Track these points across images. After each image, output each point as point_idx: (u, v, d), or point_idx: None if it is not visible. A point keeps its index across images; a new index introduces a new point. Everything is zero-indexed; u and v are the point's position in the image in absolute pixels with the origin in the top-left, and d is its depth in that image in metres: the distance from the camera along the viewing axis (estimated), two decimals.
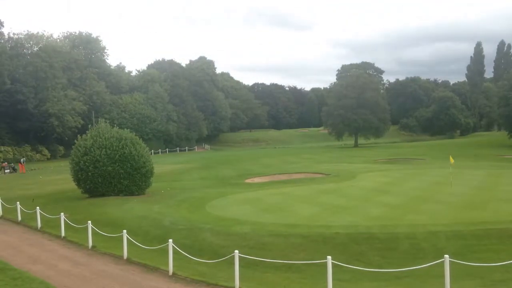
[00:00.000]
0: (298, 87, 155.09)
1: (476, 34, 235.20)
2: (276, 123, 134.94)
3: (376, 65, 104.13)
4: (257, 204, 21.77)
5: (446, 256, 10.09)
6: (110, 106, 79.51)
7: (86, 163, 25.04)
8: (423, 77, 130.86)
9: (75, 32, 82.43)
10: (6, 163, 51.89)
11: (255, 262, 12.60)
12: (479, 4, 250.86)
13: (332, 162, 46.61)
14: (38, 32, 72.13)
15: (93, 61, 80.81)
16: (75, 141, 26.89)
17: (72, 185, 27.42)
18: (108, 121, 31.79)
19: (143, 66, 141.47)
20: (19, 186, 34.60)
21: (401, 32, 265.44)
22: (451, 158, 28.83)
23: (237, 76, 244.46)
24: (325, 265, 10.47)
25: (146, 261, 13.85)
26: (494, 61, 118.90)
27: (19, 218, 21.34)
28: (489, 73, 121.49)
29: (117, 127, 27.83)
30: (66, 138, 66.24)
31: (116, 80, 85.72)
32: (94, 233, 16.13)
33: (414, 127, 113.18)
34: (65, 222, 17.92)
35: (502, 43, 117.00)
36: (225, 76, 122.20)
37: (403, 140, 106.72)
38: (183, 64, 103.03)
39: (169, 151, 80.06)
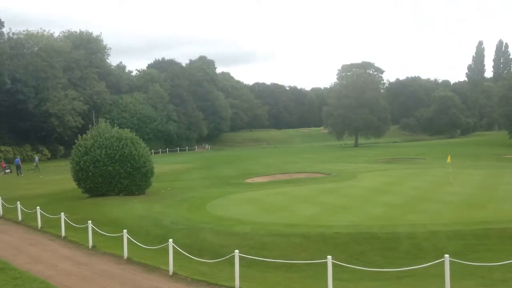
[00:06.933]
0: (299, 86, 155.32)
1: None
2: (277, 123, 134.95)
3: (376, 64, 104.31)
4: (258, 203, 21.76)
5: (447, 255, 10.09)
6: (110, 106, 79.56)
7: (87, 163, 25.03)
8: (423, 76, 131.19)
9: (76, 32, 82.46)
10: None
11: (255, 262, 12.60)
12: None
13: (333, 162, 46.61)
14: (38, 32, 72.10)
15: (93, 61, 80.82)
16: (76, 141, 26.88)
17: (73, 184, 27.41)
18: (108, 121, 31.77)
19: (143, 66, 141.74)
20: (19, 186, 34.60)
21: None
22: (449, 157, 28.83)
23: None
24: (325, 264, 10.47)
25: (146, 260, 13.85)
26: (493, 61, 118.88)
27: (20, 218, 21.35)
28: (489, 72, 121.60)
29: (118, 127, 27.79)
30: (67, 138, 66.25)
31: (116, 79, 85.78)
32: (94, 232, 16.13)
33: (415, 126, 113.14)
34: (66, 222, 17.93)
35: (500, 42, 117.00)
36: (225, 75, 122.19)
37: (404, 139, 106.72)
38: (183, 64, 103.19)
39: (169, 151, 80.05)
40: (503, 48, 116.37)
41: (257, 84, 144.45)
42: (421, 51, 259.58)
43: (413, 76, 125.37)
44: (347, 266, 11.29)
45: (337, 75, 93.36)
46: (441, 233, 14.59)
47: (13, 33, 70.53)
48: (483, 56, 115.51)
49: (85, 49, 79.70)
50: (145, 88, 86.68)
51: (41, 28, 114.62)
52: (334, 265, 10.45)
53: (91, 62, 79.78)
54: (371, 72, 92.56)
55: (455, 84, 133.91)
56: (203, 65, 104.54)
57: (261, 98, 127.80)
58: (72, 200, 25.43)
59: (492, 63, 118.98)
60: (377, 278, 11.73)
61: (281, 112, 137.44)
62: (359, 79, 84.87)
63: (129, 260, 14.09)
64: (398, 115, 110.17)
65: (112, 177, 25.26)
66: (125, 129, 27.83)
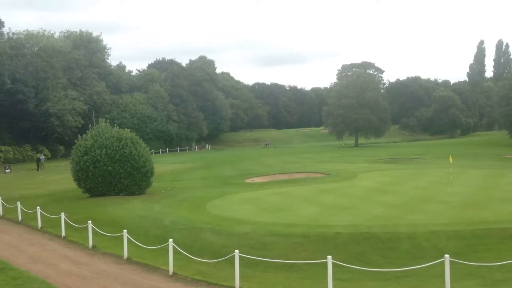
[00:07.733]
0: (299, 86, 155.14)
1: None
2: (277, 123, 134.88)
3: (376, 64, 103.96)
4: (258, 203, 21.76)
5: (447, 255, 10.09)
6: (110, 106, 79.51)
7: (87, 163, 25.04)
8: (423, 76, 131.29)
9: (76, 32, 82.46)
10: None
11: (255, 261, 12.60)
12: None
13: (333, 162, 46.58)
14: (38, 32, 72.06)
15: (93, 61, 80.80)
16: (76, 140, 26.91)
17: (73, 184, 27.42)
18: (108, 121, 31.77)
19: (143, 66, 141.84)
20: (19, 186, 34.59)
21: None
22: (450, 158, 28.83)
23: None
24: (325, 264, 10.47)
25: (146, 260, 13.86)
26: (494, 60, 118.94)
27: (20, 218, 21.35)
28: (490, 72, 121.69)
29: (118, 127, 27.81)
30: (67, 138, 66.22)
31: (116, 79, 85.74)
32: (94, 232, 16.14)
33: (415, 126, 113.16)
34: (66, 222, 17.93)
35: (500, 42, 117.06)
36: (225, 75, 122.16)
37: (404, 139, 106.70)
38: (183, 64, 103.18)
39: (169, 151, 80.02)
40: (504, 48, 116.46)
41: (257, 84, 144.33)
42: (421, 51, 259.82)
43: (413, 76, 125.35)
44: (347, 266, 11.28)
45: (337, 75, 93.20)
46: (441, 233, 14.58)
47: (13, 33, 70.52)
48: (484, 56, 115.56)
49: (85, 49, 79.67)
50: (145, 88, 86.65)
51: (41, 28, 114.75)
52: (334, 265, 10.45)
53: (91, 62, 79.75)
54: (371, 72, 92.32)
55: (455, 84, 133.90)
56: (203, 65, 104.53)
57: (261, 98, 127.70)
58: (72, 200, 25.42)
59: (492, 63, 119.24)
60: (377, 278, 11.72)
61: (281, 112, 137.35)
62: (359, 79, 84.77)
63: (129, 260, 14.09)
64: (398, 115, 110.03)
65: (112, 177, 25.27)
66: (125, 129, 27.82)
